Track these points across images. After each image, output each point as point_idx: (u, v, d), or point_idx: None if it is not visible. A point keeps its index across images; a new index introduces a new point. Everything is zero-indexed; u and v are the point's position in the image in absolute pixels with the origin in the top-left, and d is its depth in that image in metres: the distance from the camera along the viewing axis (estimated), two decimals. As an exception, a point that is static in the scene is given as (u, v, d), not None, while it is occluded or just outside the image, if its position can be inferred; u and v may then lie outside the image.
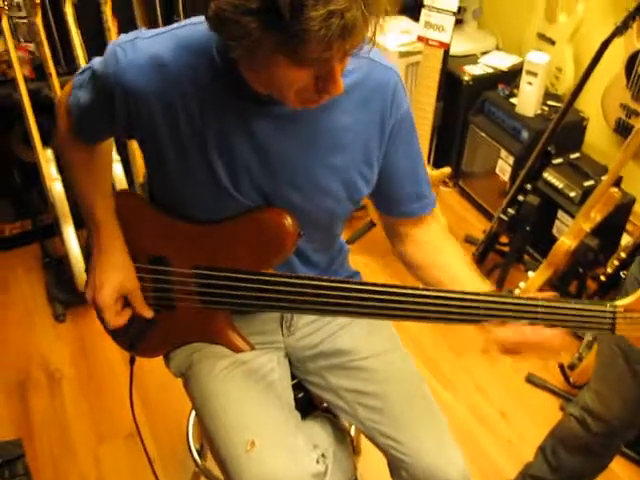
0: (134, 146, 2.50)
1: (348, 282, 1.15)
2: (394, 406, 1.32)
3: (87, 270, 1.31)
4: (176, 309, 1.31)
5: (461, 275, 1.24)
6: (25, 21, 2.31)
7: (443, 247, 1.31)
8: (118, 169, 2.42)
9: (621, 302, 1.06)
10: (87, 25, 2.38)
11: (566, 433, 1.73)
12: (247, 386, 1.28)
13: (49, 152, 2.44)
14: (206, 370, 1.30)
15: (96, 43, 2.39)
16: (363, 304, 1.14)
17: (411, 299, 1.12)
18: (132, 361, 1.45)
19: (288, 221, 1.16)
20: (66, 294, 2.53)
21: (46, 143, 2.43)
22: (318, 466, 1.22)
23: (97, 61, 1.14)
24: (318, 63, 0.91)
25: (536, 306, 1.08)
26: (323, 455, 1.25)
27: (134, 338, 1.37)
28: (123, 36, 1.10)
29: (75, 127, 1.23)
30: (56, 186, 2.36)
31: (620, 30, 2.12)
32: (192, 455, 1.69)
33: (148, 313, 1.31)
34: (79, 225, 2.40)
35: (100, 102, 1.14)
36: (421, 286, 1.14)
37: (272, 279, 1.18)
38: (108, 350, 2.41)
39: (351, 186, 1.20)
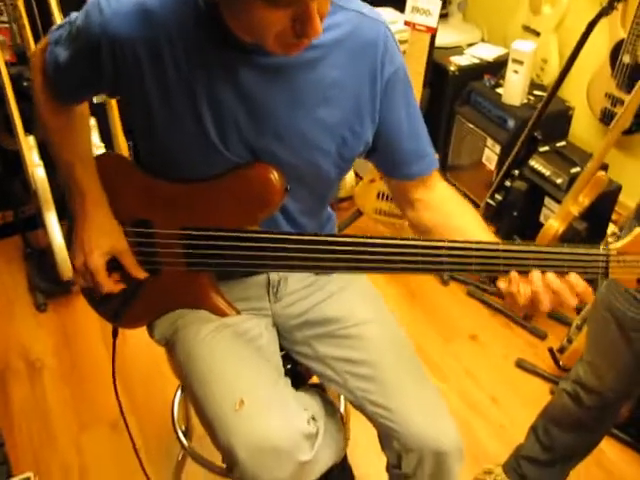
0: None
1: (335, 236, 1.12)
2: (384, 373, 1.29)
3: (71, 238, 1.28)
4: (161, 274, 1.28)
5: (476, 235, 1.18)
6: (6, 2, 2.28)
7: (455, 209, 1.27)
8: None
9: (614, 245, 1.04)
10: (70, 7, 2.34)
11: (558, 410, 1.71)
12: (235, 347, 1.25)
13: (31, 139, 2.41)
14: (192, 334, 1.26)
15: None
16: (352, 257, 1.11)
17: (399, 250, 1.09)
18: (115, 334, 1.41)
19: (274, 175, 1.14)
20: (48, 283, 2.49)
21: (28, 130, 2.40)
22: (309, 427, 1.18)
23: (77, 15, 1.12)
24: (293, 3, 0.91)
25: (528, 252, 1.05)
26: (314, 418, 1.22)
27: (119, 307, 1.34)
28: None
29: (53, 87, 1.20)
30: (38, 172, 2.32)
31: (606, 11, 2.13)
32: (177, 436, 1.65)
33: (141, 274, 1.27)
34: (62, 216, 2.37)
35: (83, 57, 1.11)
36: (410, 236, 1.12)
37: (257, 236, 1.16)
38: (90, 339, 2.37)
39: (341, 141, 1.17)
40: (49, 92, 1.20)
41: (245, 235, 1.16)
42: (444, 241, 1.09)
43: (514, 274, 1.06)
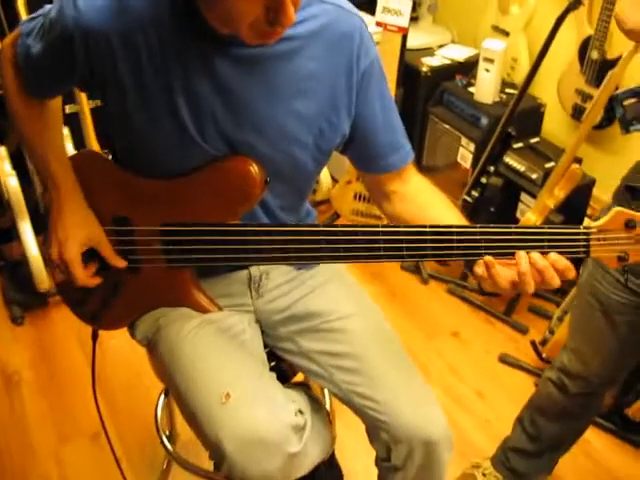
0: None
1: (317, 225, 1.12)
2: (370, 365, 1.28)
3: (47, 231, 1.25)
4: (141, 272, 1.26)
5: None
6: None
7: (431, 200, 1.27)
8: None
9: (594, 223, 1.05)
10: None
11: (543, 400, 1.71)
12: (218, 342, 1.23)
13: (2, 149, 2.38)
14: (175, 331, 1.24)
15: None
16: (334, 247, 1.11)
17: (383, 237, 1.08)
18: (94, 336, 1.38)
19: (254, 167, 1.13)
20: (24, 295, 2.44)
21: (0, 140, 2.37)
22: (297, 418, 1.17)
23: (50, 7, 1.10)
24: None
25: (509, 233, 1.05)
26: (301, 411, 1.20)
27: (98, 308, 1.31)
28: None
29: (25, 80, 1.18)
30: (11, 181, 2.29)
31: (573, 5, 2.15)
32: (162, 441, 1.62)
33: (120, 262, 1.24)
34: (37, 228, 2.34)
35: (56, 50, 1.09)
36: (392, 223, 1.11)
37: (239, 229, 1.15)
38: (68, 351, 2.32)
39: (318, 133, 1.17)
40: (20, 84, 1.19)
41: (226, 229, 1.15)
42: (426, 226, 1.08)
43: (489, 259, 1.05)
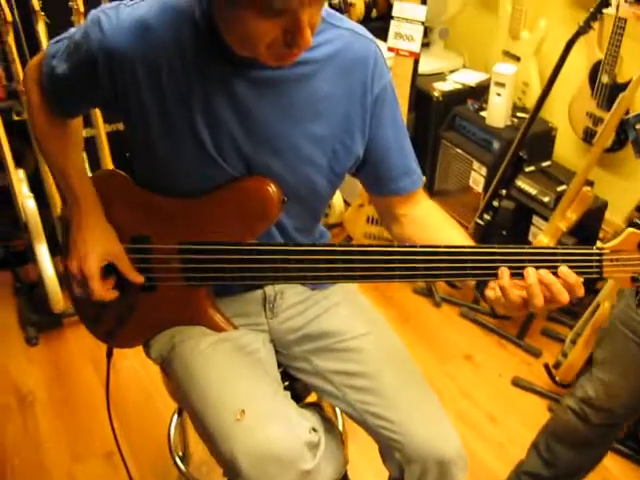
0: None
1: (333, 245, 1.13)
2: (384, 385, 1.29)
3: (66, 245, 1.27)
4: (157, 290, 1.27)
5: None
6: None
7: (441, 224, 1.29)
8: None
9: (608, 244, 1.06)
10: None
11: (561, 427, 1.69)
12: (233, 360, 1.24)
13: (21, 172, 2.41)
14: (189, 348, 1.25)
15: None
16: (350, 267, 1.12)
17: (397, 257, 1.10)
18: (109, 354, 1.40)
19: (271, 187, 1.15)
20: (39, 316, 2.46)
21: (18, 163, 2.41)
22: (311, 435, 1.17)
23: (76, 29, 1.14)
24: (284, 14, 0.93)
25: (522, 254, 1.06)
26: (314, 429, 1.21)
27: (114, 326, 1.33)
28: (105, 4, 1.10)
29: (49, 99, 1.21)
30: (29, 203, 2.31)
31: (583, 30, 2.18)
32: (175, 462, 1.63)
33: (138, 278, 1.26)
34: (53, 250, 2.37)
35: (81, 71, 1.12)
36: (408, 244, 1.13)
37: (256, 248, 1.16)
38: (82, 371, 2.34)
39: (332, 155, 1.19)
40: (45, 103, 1.22)
41: (243, 248, 1.17)
42: (441, 246, 1.10)
43: (503, 269, 1.06)
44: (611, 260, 1.05)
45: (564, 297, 1.04)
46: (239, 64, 1.08)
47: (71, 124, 1.27)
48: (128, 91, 1.09)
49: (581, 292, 1.05)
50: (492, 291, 1.11)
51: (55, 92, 1.20)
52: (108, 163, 2.49)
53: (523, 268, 1.06)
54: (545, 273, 1.04)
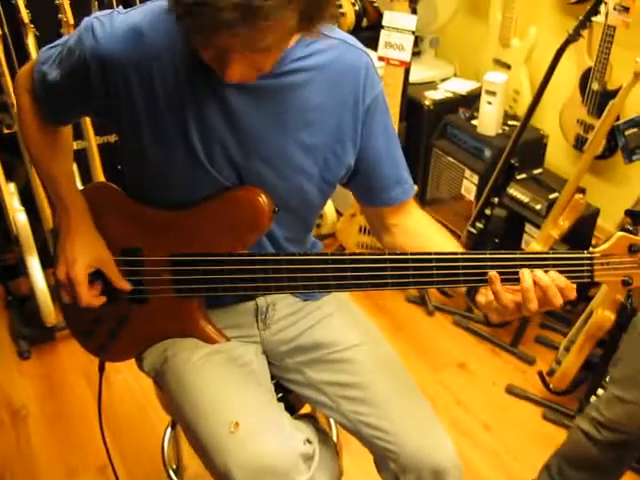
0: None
1: (325, 254, 1.13)
2: (378, 395, 1.28)
3: (56, 255, 1.27)
4: (149, 303, 1.27)
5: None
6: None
7: (432, 233, 1.29)
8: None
9: (598, 248, 1.06)
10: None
11: (573, 449, 1.66)
12: (226, 371, 1.23)
13: (11, 186, 2.40)
14: (182, 361, 1.25)
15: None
16: (341, 275, 1.12)
17: (389, 265, 1.10)
18: (101, 369, 1.38)
19: (262, 198, 1.15)
20: (31, 329, 2.45)
21: (9, 177, 2.40)
22: (306, 447, 1.17)
23: (69, 36, 1.14)
24: (211, 46, 0.94)
25: (514, 259, 1.07)
26: (309, 441, 1.20)
27: (105, 340, 1.32)
28: (99, 12, 1.10)
29: (40, 106, 1.21)
30: (20, 217, 2.30)
31: (573, 37, 2.19)
32: (168, 475, 1.62)
33: (125, 285, 1.26)
34: (44, 265, 2.36)
35: (73, 78, 1.12)
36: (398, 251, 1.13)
37: (247, 258, 1.16)
38: (75, 386, 2.32)
39: (323, 165, 1.19)
40: (36, 111, 1.22)
41: (234, 258, 1.17)
42: (432, 253, 1.10)
43: (492, 274, 1.07)
44: (602, 264, 1.05)
45: (558, 300, 1.04)
46: None
47: (62, 131, 1.27)
48: (120, 99, 1.09)
49: (573, 294, 1.05)
50: (484, 297, 1.12)
51: (46, 99, 1.20)
52: (99, 175, 2.48)
53: (515, 274, 1.06)
54: (542, 275, 1.04)
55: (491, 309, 1.11)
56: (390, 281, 1.11)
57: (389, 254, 1.10)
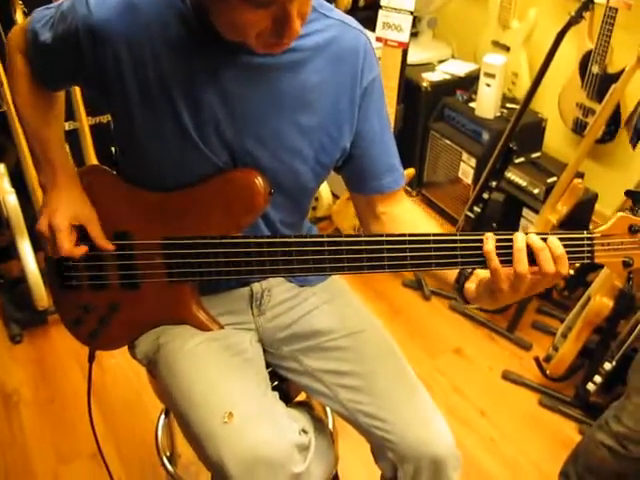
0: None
1: (321, 236, 1.10)
2: (376, 383, 1.26)
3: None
4: (140, 289, 1.24)
5: None
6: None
7: (421, 222, 1.27)
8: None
9: (598, 229, 1.04)
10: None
11: (596, 464, 1.62)
12: (220, 360, 1.21)
13: (1, 167, 2.36)
14: (176, 349, 1.22)
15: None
16: (338, 257, 1.09)
17: (386, 246, 1.07)
18: (91, 358, 1.34)
19: (258, 179, 1.12)
20: (23, 313, 2.42)
21: (-2, 158, 2.36)
22: (301, 437, 1.15)
23: (65, 2, 1.09)
24: (273, 4, 0.91)
25: (512, 240, 1.03)
26: (304, 431, 1.18)
27: (96, 326, 1.29)
28: None
29: (33, 66, 1.18)
30: (10, 199, 2.27)
31: (575, 19, 2.15)
32: (162, 462, 1.60)
33: (108, 245, 1.21)
34: (36, 247, 2.32)
35: (64, 44, 1.09)
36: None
37: (242, 241, 1.13)
38: (68, 370, 2.30)
39: (319, 147, 1.17)
40: (28, 72, 1.19)
41: (229, 241, 1.14)
42: (430, 235, 1.07)
43: (487, 235, 1.04)
44: (602, 244, 1.03)
45: (551, 267, 1.00)
46: (227, 49, 1.05)
47: (55, 96, 1.24)
48: (109, 72, 1.06)
49: (566, 268, 1.02)
50: (474, 283, 1.09)
51: (38, 60, 1.17)
52: (91, 157, 2.45)
53: (510, 255, 1.03)
54: (535, 238, 1.01)
55: (482, 295, 1.08)
56: (387, 263, 1.08)
57: (386, 236, 1.07)
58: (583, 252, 1.03)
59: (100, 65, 1.06)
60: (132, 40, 1.04)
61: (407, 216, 1.28)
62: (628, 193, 1.40)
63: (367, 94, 1.17)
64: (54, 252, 1.22)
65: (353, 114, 1.17)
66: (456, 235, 1.07)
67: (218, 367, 1.19)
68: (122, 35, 1.03)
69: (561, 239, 1.02)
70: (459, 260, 1.07)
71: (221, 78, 1.07)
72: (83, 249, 1.21)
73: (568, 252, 1.02)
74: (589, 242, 1.03)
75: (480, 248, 1.04)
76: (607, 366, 2.00)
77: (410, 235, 1.07)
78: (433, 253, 1.07)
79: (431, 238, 1.06)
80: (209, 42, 1.04)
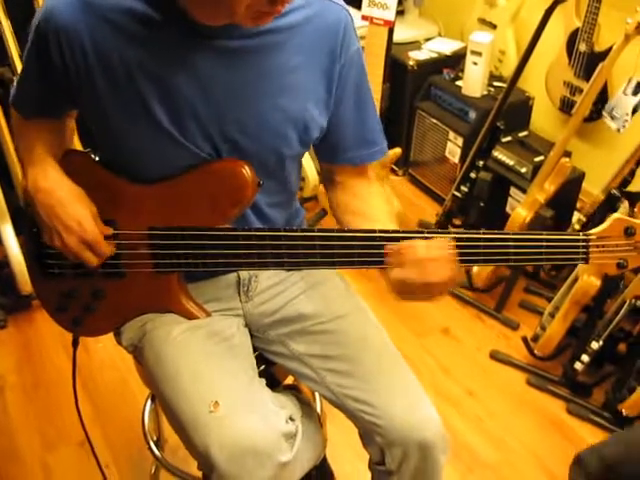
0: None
1: (311, 230, 1.09)
2: (363, 368, 1.25)
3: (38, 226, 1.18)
4: (126, 277, 1.22)
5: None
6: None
7: (379, 205, 1.26)
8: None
9: (594, 230, 1.05)
10: (17, 15, 2.28)
11: None
12: (207, 348, 1.19)
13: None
14: (162, 336, 1.20)
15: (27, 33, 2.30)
16: (329, 252, 1.08)
17: (381, 243, 1.06)
18: (75, 344, 1.32)
19: (246, 170, 1.10)
20: (7, 298, 2.38)
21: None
22: (288, 426, 1.14)
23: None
24: None
25: (507, 239, 1.04)
26: (291, 418, 1.17)
27: (80, 313, 1.26)
28: None
29: (14, 97, 1.18)
30: (-9, 182, 2.23)
31: (562, -3, 2.13)
32: (149, 447, 1.59)
33: (107, 229, 1.16)
34: (18, 231, 2.30)
35: (38, 57, 1.07)
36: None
37: (230, 233, 1.11)
38: (54, 355, 2.28)
39: (302, 128, 1.15)
40: (12, 104, 1.20)
41: (216, 233, 1.12)
42: (424, 231, 1.07)
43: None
44: (597, 246, 1.04)
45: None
46: (201, 34, 1.02)
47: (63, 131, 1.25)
48: (80, 70, 1.04)
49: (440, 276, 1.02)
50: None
51: (20, 89, 1.17)
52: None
53: (507, 255, 1.04)
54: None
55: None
56: (379, 259, 1.07)
57: (380, 231, 1.06)
58: (578, 254, 1.04)
59: (69, 66, 1.05)
60: (95, 32, 1.01)
61: (368, 200, 1.26)
62: (624, 194, 1.40)
63: (345, 70, 1.16)
64: (93, 262, 1.15)
65: (331, 93, 1.16)
66: (452, 233, 1.07)
67: (204, 355, 1.18)
68: (84, 28, 1.01)
69: (556, 240, 1.03)
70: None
71: (196, 65, 1.04)
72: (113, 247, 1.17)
73: (563, 253, 1.03)
74: (584, 244, 1.04)
75: (479, 248, 1.05)
76: (594, 345, 2.01)
77: (404, 232, 1.07)
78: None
79: (426, 235, 1.06)
80: (180, 29, 1.01)
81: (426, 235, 1.04)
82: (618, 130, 2.13)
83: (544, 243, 1.04)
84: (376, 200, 1.26)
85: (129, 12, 1.01)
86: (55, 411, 2.10)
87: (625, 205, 1.96)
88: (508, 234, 1.05)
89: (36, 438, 2.02)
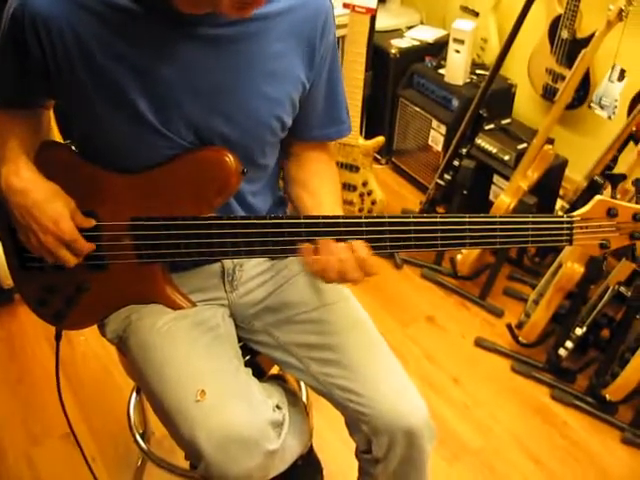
0: None
1: (298, 217, 1.08)
2: (349, 356, 1.25)
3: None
4: (109, 269, 1.20)
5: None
6: None
7: (327, 178, 1.29)
8: None
9: (577, 212, 1.06)
10: None
11: None
12: (192, 337, 1.19)
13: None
14: (147, 327, 1.19)
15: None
16: (315, 239, 1.08)
17: (367, 228, 1.06)
18: (58, 337, 1.30)
19: (229, 158, 1.09)
20: (-13, 293, 2.36)
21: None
22: (275, 414, 1.14)
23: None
24: None
25: (493, 223, 1.04)
26: (278, 407, 1.17)
27: (62, 307, 1.25)
28: None
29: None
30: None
31: (544, -17, 2.12)
32: (135, 439, 1.58)
33: (88, 221, 1.14)
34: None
35: (14, 43, 1.04)
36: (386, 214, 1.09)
37: (215, 222, 1.10)
38: (37, 348, 2.25)
39: (285, 115, 1.16)
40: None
41: (201, 222, 1.11)
42: (410, 216, 1.07)
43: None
44: (581, 227, 1.06)
45: (355, 274, 1.06)
46: (182, 22, 1.01)
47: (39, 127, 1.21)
48: (60, 62, 1.03)
49: (374, 269, 1.07)
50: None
51: (2, 84, 1.13)
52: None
53: (494, 238, 1.04)
54: (340, 246, 1.05)
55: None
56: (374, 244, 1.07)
57: (365, 217, 1.06)
58: (562, 235, 1.06)
59: (48, 57, 1.02)
60: (74, 18, 0.99)
61: (317, 172, 1.29)
62: (605, 175, 1.39)
63: (323, 59, 1.17)
64: (70, 261, 1.13)
65: (309, 78, 1.17)
66: (437, 217, 1.07)
67: (190, 345, 1.17)
68: (64, 17, 0.99)
69: (541, 222, 1.04)
70: (439, 242, 1.08)
71: (178, 54, 1.03)
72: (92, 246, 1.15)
73: (548, 235, 1.04)
74: (568, 225, 1.05)
75: (465, 232, 1.06)
76: (578, 331, 2.03)
77: (389, 217, 1.07)
78: (413, 235, 1.08)
79: (411, 220, 1.06)
80: (162, 16, 1.00)
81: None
82: (609, 117, 2.13)
83: (530, 225, 1.05)
84: (328, 182, 1.29)
85: (110, 1, 0.99)
86: (39, 405, 2.08)
87: (608, 191, 1.97)
88: (495, 217, 1.06)
89: (20, 432, 2.00)
